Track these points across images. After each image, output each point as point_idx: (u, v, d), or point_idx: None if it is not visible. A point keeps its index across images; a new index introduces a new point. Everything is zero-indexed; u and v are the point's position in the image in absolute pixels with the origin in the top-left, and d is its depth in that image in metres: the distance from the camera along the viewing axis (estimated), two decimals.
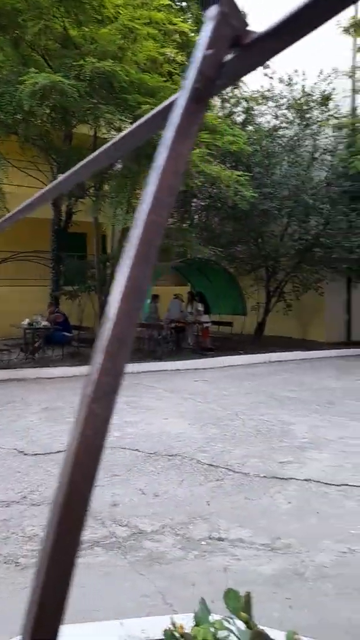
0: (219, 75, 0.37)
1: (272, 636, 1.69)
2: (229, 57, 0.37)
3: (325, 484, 3.58)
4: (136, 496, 3.49)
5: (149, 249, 0.32)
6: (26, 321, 9.59)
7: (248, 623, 1.44)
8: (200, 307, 11.00)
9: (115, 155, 0.62)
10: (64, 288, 11.58)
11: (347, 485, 3.55)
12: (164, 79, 8.01)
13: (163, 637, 1.60)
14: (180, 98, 0.36)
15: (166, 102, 0.44)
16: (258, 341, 11.94)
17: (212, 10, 0.36)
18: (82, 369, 8.55)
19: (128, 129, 0.58)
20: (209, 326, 11.08)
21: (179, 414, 5.69)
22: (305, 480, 3.67)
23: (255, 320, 12.19)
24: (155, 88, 7.83)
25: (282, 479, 3.72)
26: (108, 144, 0.59)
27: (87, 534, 2.96)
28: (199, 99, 0.35)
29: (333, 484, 3.57)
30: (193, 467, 4.00)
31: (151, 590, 2.43)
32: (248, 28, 0.38)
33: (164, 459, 4.21)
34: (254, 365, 9.51)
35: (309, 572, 2.55)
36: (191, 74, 0.36)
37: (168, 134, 0.34)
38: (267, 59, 0.40)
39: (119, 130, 9.92)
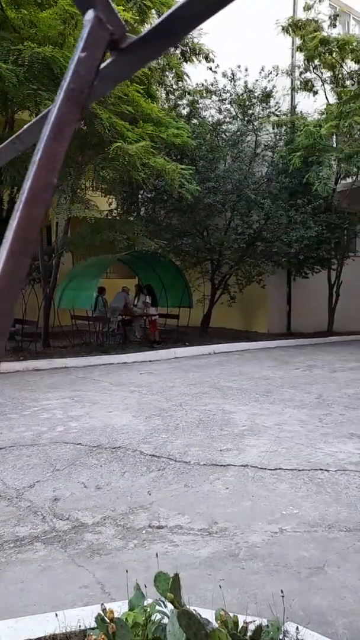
0: (96, 78, 0.40)
1: (203, 615, 1.80)
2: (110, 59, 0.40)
3: (261, 468, 3.77)
4: (78, 490, 3.50)
5: (25, 243, 0.33)
6: None
7: (174, 603, 1.53)
8: (148, 300, 11.04)
9: (19, 148, 0.64)
10: None
11: (280, 469, 3.75)
12: None
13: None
14: (57, 98, 0.37)
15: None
16: (204, 333, 12.17)
17: (89, 14, 0.37)
18: (26, 364, 8.36)
19: (28, 123, 0.60)
20: (157, 319, 11.16)
21: (124, 407, 5.73)
22: (243, 466, 3.83)
23: (201, 312, 12.41)
24: None
25: (221, 465, 3.87)
26: (10, 139, 0.60)
27: (26, 530, 2.95)
28: (75, 99, 0.36)
29: (268, 469, 3.76)
30: (136, 459, 4.07)
31: (90, 581, 2.47)
32: (125, 32, 0.39)
33: (107, 451, 4.25)
34: (200, 357, 9.70)
35: (242, 553, 2.69)
36: (68, 75, 0.37)
37: (44, 133, 0.37)
38: (146, 62, 0.41)
39: None
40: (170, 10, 0.35)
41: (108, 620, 1.49)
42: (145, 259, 11.23)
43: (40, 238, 10.34)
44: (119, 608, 1.99)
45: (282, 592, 1.79)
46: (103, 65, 0.41)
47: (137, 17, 9.18)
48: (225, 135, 12.15)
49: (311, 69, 11.70)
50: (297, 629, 1.70)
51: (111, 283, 13.79)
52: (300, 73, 11.94)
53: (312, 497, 3.30)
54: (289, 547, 2.71)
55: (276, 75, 11.80)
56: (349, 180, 12.19)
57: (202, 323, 12.45)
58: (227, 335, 12.22)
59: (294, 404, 5.72)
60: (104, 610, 1.56)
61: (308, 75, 11.94)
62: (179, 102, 12.32)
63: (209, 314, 12.53)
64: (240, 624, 1.72)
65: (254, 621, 1.82)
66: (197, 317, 12.15)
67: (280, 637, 1.80)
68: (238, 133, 11.81)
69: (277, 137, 11.98)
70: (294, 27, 11.11)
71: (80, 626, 1.95)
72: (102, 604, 1.64)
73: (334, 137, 11.81)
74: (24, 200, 0.34)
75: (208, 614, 1.89)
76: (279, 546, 2.73)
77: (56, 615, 1.95)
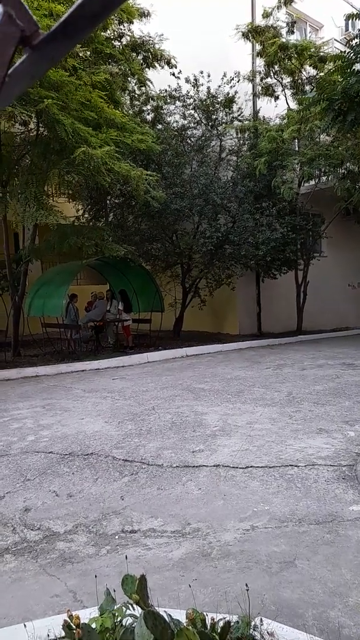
0: (7, 74, 0.39)
1: (174, 615, 1.81)
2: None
3: (233, 467, 3.81)
4: (49, 499, 3.46)
5: None
6: None
7: (140, 604, 1.54)
8: (120, 307, 10.99)
9: None
10: None
11: (252, 467, 3.80)
12: (68, 73, 7.86)
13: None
14: None
15: None
16: (176, 337, 12.21)
17: None
18: None
19: None
20: (130, 324, 11.12)
21: (96, 413, 5.68)
22: (215, 466, 3.86)
23: (173, 316, 12.44)
24: (59, 82, 7.66)
25: (194, 467, 3.88)
26: None
27: None
28: None
29: (239, 467, 3.80)
30: (108, 464, 4.04)
31: (62, 590, 2.44)
32: (37, 29, 0.38)
33: (79, 459, 4.20)
34: (172, 360, 9.71)
35: (214, 552, 2.71)
36: None
37: None
38: (59, 58, 0.41)
39: (24, 124, 9.56)
40: (74, 6, 0.36)
41: (74, 627, 1.48)
42: (115, 265, 11.19)
43: (6, 246, 10.15)
44: (90, 615, 1.98)
45: (246, 586, 1.82)
46: (18, 62, 0.42)
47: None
48: (190, 140, 12.27)
49: (271, 74, 11.96)
50: (260, 620, 1.73)
51: (81, 290, 13.67)
52: (262, 79, 12.19)
53: (283, 492, 3.35)
54: (260, 544, 2.75)
55: (238, 81, 12.01)
56: (312, 182, 12.49)
57: (174, 327, 12.49)
58: (199, 338, 12.29)
59: (265, 403, 5.80)
60: (70, 617, 1.54)
61: (269, 80, 12.20)
62: (144, 108, 12.38)
63: (181, 318, 12.58)
64: (209, 622, 1.74)
65: (224, 618, 1.84)
66: (169, 321, 12.17)
67: (250, 632, 1.83)
68: (203, 138, 11.94)
69: (241, 142, 12.18)
70: (254, 33, 11.34)
71: (49, 636, 1.92)
72: (68, 611, 1.63)
73: (296, 141, 12.09)
74: None
75: (180, 615, 1.90)
76: (250, 543, 2.77)
77: (25, 626, 1.92)
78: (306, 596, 2.29)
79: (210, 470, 3.81)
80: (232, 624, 1.75)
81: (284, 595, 2.30)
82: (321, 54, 11.20)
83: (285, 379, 7.24)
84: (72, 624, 1.50)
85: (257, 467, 3.80)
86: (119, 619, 1.81)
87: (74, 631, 1.49)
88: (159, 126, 12.13)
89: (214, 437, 4.60)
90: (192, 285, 12.49)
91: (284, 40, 11.32)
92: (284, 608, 2.21)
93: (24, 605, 2.32)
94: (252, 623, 1.84)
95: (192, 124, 12.30)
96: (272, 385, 6.80)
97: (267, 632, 1.86)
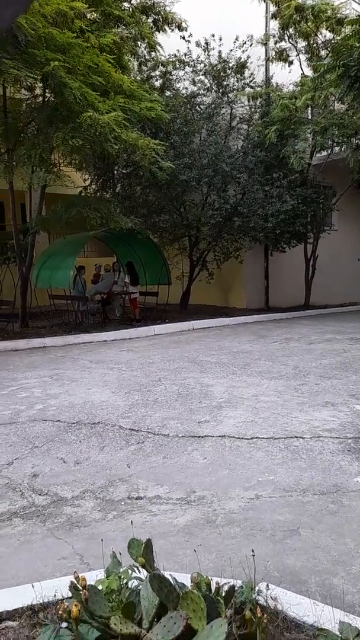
0: None
1: (179, 579, 1.83)
2: None
3: (238, 438, 3.83)
4: (57, 465, 3.51)
5: None
6: None
7: (145, 567, 1.55)
8: (127, 279, 10.94)
9: None
10: None
11: (257, 438, 3.82)
12: (75, 35, 7.58)
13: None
14: None
15: None
16: (183, 310, 12.18)
17: None
18: (4, 345, 8.25)
19: None
20: (137, 297, 11.09)
21: (103, 384, 5.72)
22: (220, 436, 3.89)
23: (180, 289, 12.38)
24: (66, 44, 7.41)
25: (199, 437, 3.91)
26: None
27: (5, 506, 2.95)
28: None
29: (245, 438, 3.82)
30: (115, 433, 4.08)
31: (69, 553, 2.49)
32: None
33: (86, 427, 4.25)
34: (179, 334, 9.71)
35: (219, 520, 2.74)
36: None
37: None
38: None
39: (30, 89, 9.32)
40: None
41: (81, 588, 1.50)
42: (122, 237, 11.08)
43: (13, 217, 10.05)
44: (96, 577, 2.01)
45: (252, 551, 1.83)
46: None
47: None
48: (200, 108, 11.92)
49: (286, 37, 11.48)
50: (267, 586, 1.75)
51: (89, 261, 13.61)
52: (275, 42, 11.71)
53: (288, 463, 3.37)
54: (265, 512, 2.78)
55: (250, 45, 11.55)
56: (324, 153, 12.15)
57: (181, 300, 12.44)
58: (206, 311, 12.25)
59: (271, 376, 5.80)
60: (76, 578, 1.57)
61: (283, 44, 11.72)
62: (152, 74, 11.99)
63: (188, 291, 12.51)
64: (214, 586, 1.77)
65: (228, 582, 1.87)
66: (176, 294, 12.12)
67: (254, 597, 1.85)
68: (213, 106, 11.59)
69: (253, 109, 11.81)
70: None
71: (57, 596, 1.97)
72: (74, 572, 1.65)
73: (309, 109, 11.70)
74: None
75: (185, 579, 1.93)
76: (254, 511, 2.79)
77: (32, 586, 1.96)
78: (310, 564, 2.31)
79: (216, 440, 3.84)
80: (236, 588, 1.77)
81: (288, 562, 2.33)
82: (338, 16, 10.69)
83: (292, 353, 7.21)
84: (78, 585, 1.52)
85: (263, 438, 3.82)
86: (124, 581, 1.84)
87: (81, 592, 1.51)
88: (168, 93, 11.77)
89: (220, 408, 4.62)
90: (199, 258, 12.37)
91: (300, 0, 10.81)
92: (288, 575, 2.24)
93: (32, 567, 2.37)
94: (256, 588, 1.87)
95: (202, 90, 11.92)
96: (278, 359, 6.78)
97: (271, 597, 1.89)
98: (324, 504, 2.84)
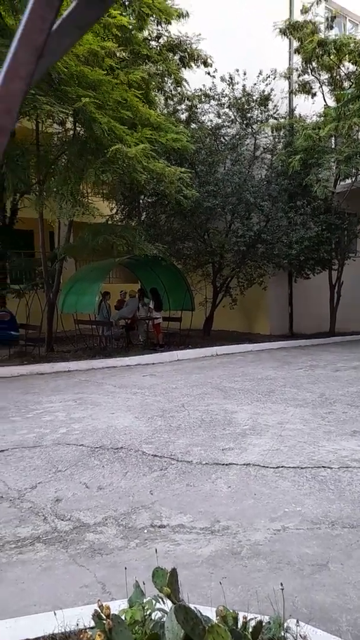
0: (54, 21, 0.38)
1: (204, 612, 1.78)
2: None
3: (263, 467, 3.74)
4: (80, 490, 3.49)
5: None
6: None
7: (170, 597, 1.52)
8: (151, 305, 11.05)
9: None
10: (10, 286, 11.26)
11: (283, 467, 3.72)
12: (105, 72, 7.94)
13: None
14: (15, 37, 0.36)
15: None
16: (206, 336, 12.16)
17: None
18: (30, 368, 8.37)
19: None
20: (160, 322, 11.16)
21: (126, 409, 5.71)
22: (245, 464, 3.81)
23: (203, 315, 12.40)
24: (96, 81, 7.76)
25: (224, 464, 3.84)
26: None
27: (28, 531, 2.93)
28: (30, 41, 0.36)
29: (270, 467, 3.73)
30: (138, 459, 4.05)
31: (91, 581, 2.45)
32: None
33: (109, 452, 4.23)
34: (202, 359, 9.68)
35: (244, 551, 2.66)
36: (25, 16, 0.36)
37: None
38: (108, 8, 0.42)
39: (62, 123, 9.74)
40: None
41: (105, 617, 1.47)
42: (147, 263, 11.25)
43: (42, 244, 10.37)
44: (119, 607, 1.97)
45: (281, 585, 1.77)
46: (66, 12, 0.41)
47: (135, 23, 9.26)
48: (224, 139, 12.19)
49: (309, 71, 11.74)
50: (297, 622, 1.68)
51: (114, 287, 13.82)
52: (298, 75, 11.98)
53: (315, 494, 3.27)
54: (292, 545, 2.68)
55: (274, 79, 11.85)
56: (348, 181, 12.19)
57: (204, 326, 12.45)
58: (229, 337, 12.20)
59: (297, 403, 5.69)
60: (100, 607, 1.54)
61: (306, 77, 11.98)
62: (178, 107, 12.39)
63: (211, 317, 12.52)
64: (241, 621, 1.70)
65: (255, 618, 1.80)
66: (199, 320, 12.14)
67: (282, 634, 1.77)
68: (237, 137, 11.85)
69: (276, 140, 12.01)
70: (292, 29, 11.15)
71: (79, 625, 1.93)
72: (98, 601, 1.62)
73: (333, 138, 11.82)
74: None
75: (209, 612, 1.86)
76: (281, 543, 2.70)
77: (55, 614, 1.93)
78: (340, 600, 2.21)
79: (240, 468, 3.76)
80: (263, 624, 1.70)
81: (317, 598, 2.23)
82: None
83: (318, 380, 7.08)
84: (102, 614, 1.49)
85: (289, 467, 3.72)
86: (148, 612, 1.79)
87: (105, 622, 1.48)
88: (193, 125, 12.11)
89: (244, 435, 4.54)
90: (223, 285, 12.41)
91: (322, 35, 11.10)
92: (317, 612, 2.14)
93: (53, 594, 2.34)
94: (285, 625, 1.79)
95: (227, 122, 12.22)
96: (304, 386, 6.66)
97: (300, 635, 1.80)
98: (353, 537, 2.73)
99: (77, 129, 9.13)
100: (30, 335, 10.13)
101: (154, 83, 10.33)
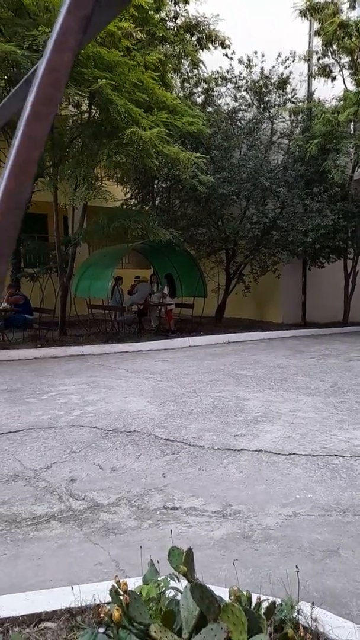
0: None
1: (216, 592, 1.81)
2: None
3: (275, 453, 3.77)
4: (94, 471, 3.55)
5: (27, 162, 0.33)
6: None
7: (187, 576, 1.55)
8: (165, 291, 11.05)
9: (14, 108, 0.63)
10: (24, 270, 11.33)
11: (295, 454, 3.74)
12: (122, 54, 7.84)
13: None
14: (62, 9, 0.35)
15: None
16: (218, 323, 12.15)
17: None
18: (43, 351, 8.46)
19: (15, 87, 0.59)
20: (173, 308, 11.17)
21: (138, 393, 5.76)
22: (257, 451, 3.83)
23: (215, 302, 12.37)
24: (113, 63, 7.67)
25: (235, 450, 3.87)
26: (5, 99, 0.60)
27: (43, 509, 3.00)
28: (79, 7, 0.35)
29: (282, 454, 3.76)
30: (150, 442, 4.10)
31: (105, 559, 2.51)
32: None
33: (122, 435, 4.29)
34: (214, 346, 9.68)
35: (256, 535, 2.70)
36: None
37: (48, 46, 0.35)
38: None
39: (77, 105, 9.67)
40: None
41: (122, 593, 1.51)
42: (160, 249, 11.21)
43: (56, 228, 10.39)
44: (134, 584, 2.02)
45: (297, 567, 1.79)
46: None
47: (152, 3, 9.09)
48: (241, 123, 12.00)
49: (329, 53, 11.44)
50: (312, 604, 1.70)
51: (127, 273, 13.83)
52: (318, 58, 11.69)
53: (327, 481, 3.28)
54: (303, 530, 2.71)
55: (293, 61, 11.59)
56: None
57: (216, 313, 12.42)
58: (241, 325, 12.17)
59: (309, 392, 5.68)
60: (117, 582, 1.58)
61: (326, 60, 11.68)
62: (194, 90, 12.20)
63: (224, 304, 12.48)
64: (254, 601, 1.73)
65: (268, 599, 1.83)
66: (211, 307, 12.12)
67: (294, 616, 1.80)
68: (254, 121, 11.65)
69: (294, 124, 11.79)
70: (312, 10, 10.85)
71: (95, 600, 1.98)
72: (116, 577, 1.66)
73: (352, 123, 11.56)
74: (27, 117, 0.33)
75: (221, 592, 1.90)
76: (292, 529, 2.73)
77: (72, 589, 1.99)
78: (350, 586, 2.24)
79: (252, 454, 3.79)
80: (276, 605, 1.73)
81: (328, 583, 2.26)
82: None
83: (330, 369, 7.05)
84: (119, 590, 1.53)
85: (301, 454, 3.74)
86: (163, 589, 1.83)
87: (122, 597, 1.52)
88: (209, 109, 11.93)
89: (256, 422, 4.56)
90: (236, 272, 12.34)
91: (344, 17, 10.78)
92: (328, 596, 2.17)
93: (69, 570, 2.40)
94: (297, 607, 1.82)
95: (244, 106, 12.01)
96: (316, 375, 6.65)
97: (311, 618, 1.83)
98: None
99: (92, 111, 9.05)
100: (44, 319, 10.21)
101: (170, 65, 10.16)
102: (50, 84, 0.35)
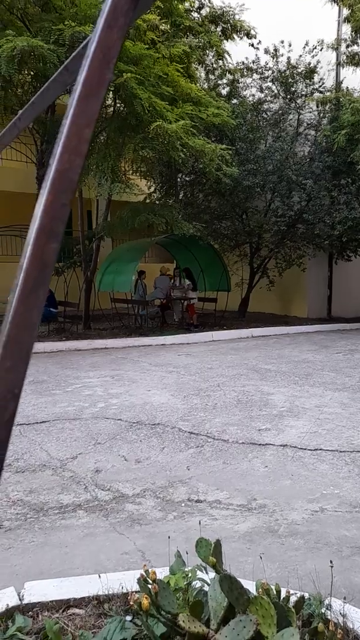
0: None
1: (243, 585, 1.80)
2: None
3: (301, 449, 3.72)
4: (119, 462, 3.58)
5: (79, 141, 0.32)
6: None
7: (216, 567, 1.54)
8: (189, 284, 11.05)
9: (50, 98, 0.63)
10: None
11: (321, 449, 3.69)
12: (147, 46, 7.81)
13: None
14: None
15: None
16: (242, 317, 12.06)
17: None
18: (68, 344, 8.58)
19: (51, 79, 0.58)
20: (195, 302, 11.14)
21: (162, 386, 5.78)
22: (282, 445, 3.80)
23: (239, 296, 12.28)
24: (138, 56, 7.65)
25: (260, 444, 3.84)
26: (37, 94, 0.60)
27: (70, 498, 3.05)
28: None
29: (308, 449, 3.71)
30: (174, 435, 4.11)
31: (131, 549, 2.53)
32: None
33: (146, 427, 4.31)
34: (237, 340, 9.63)
35: (281, 530, 2.67)
36: None
37: (98, 24, 0.34)
38: None
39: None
40: None
41: (150, 581, 1.52)
42: (183, 243, 11.18)
43: (81, 223, 10.47)
44: (160, 575, 2.03)
45: (331, 562, 1.77)
46: None
47: None
48: (267, 114, 11.82)
49: (359, 41, 11.14)
50: (344, 599, 1.68)
51: (150, 267, 13.86)
52: (347, 46, 11.39)
53: (354, 478, 3.23)
54: (330, 526, 2.67)
55: (321, 50, 11.33)
56: None
57: (239, 307, 12.34)
58: (265, 319, 12.06)
59: (335, 387, 5.59)
60: (146, 571, 1.58)
61: (355, 48, 11.37)
62: (219, 82, 12.07)
63: (247, 298, 12.39)
64: (282, 595, 1.72)
65: (296, 593, 1.81)
66: (234, 301, 12.04)
67: (323, 611, 1.78)
68: (280, 112, 11.46)
69: (321, 115, 11.54)
70: None
71: (122, 589, 2.00)
72: (144, 566, 1.67)
73: None
74: (77, 95, 0.32)
75: (248, 585, 1.89)
76: (319, 524, 2.70)
77: (99, 577, 2.01)
78: None
79: (277, 449, 3.75)
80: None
81: (356, 580, 2.23)
82: None
83: (358, 365, 6.92)
84: (148, 579, 1.53)
85: (327, 450, 3.69)
86: (190, 580, 1.84)
87: (150, 586, 1.52)
88: (234, 100, 11.78)
89: (281, 417, 4.52)
90: (260, 265, 12.22)
91: None
92: (356, 593, 2.14)
93: (96, 559, 2.43)
94: (325, 602, 1.79)
95: (269, 97, 11.82)
96: (342, 370, 6.54)
97: (340, 613, 1.81)
98: None
99: (117, 105, 9.07)
100: (68, 313, 10.34)
101: (195, 56, 10.08)
102: (101, 63, 0.34)
